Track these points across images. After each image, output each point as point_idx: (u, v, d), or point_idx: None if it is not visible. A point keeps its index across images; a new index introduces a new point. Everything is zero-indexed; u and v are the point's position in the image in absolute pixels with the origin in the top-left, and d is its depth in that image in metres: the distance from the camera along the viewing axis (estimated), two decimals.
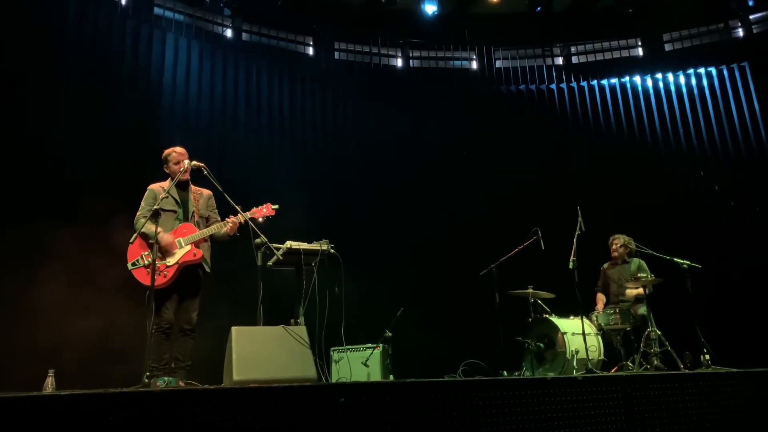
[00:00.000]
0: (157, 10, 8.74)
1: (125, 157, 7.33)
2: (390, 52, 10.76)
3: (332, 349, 6.13)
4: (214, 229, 4.67)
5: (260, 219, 4.67)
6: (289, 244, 4.72)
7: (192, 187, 4.85)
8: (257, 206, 4.73)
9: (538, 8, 9.69)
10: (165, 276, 4.42)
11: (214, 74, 8.76)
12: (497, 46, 10.98)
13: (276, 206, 4.77)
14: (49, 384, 3.99)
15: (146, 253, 4.47)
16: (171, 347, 4.51)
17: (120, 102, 7.63)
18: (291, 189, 9.03)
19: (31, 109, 6.75)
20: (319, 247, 4.81)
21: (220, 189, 4.48)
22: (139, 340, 4.24)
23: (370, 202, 9.31)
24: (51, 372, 4.02)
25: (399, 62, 10.80)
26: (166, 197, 4.55)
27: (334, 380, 5.91)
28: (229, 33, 9.49)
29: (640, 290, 6.07)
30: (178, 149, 4.81)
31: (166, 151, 4.84)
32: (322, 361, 4.49)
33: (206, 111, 8.37)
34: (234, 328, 3.97)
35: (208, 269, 4.73)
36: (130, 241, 4.43)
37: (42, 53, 7.02)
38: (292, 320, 4.51)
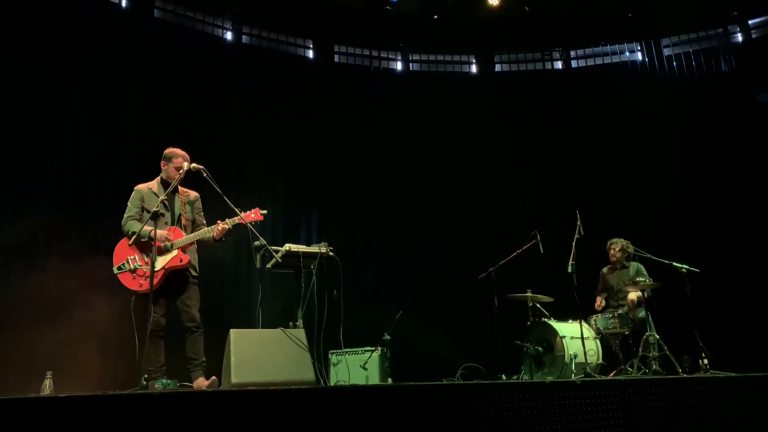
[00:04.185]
0: (157, 13, 8.76)
1: (123, 158, 7.35)
2: (390, 56, 10.78)
3: (331, 352, 6.12)
4: (201, 234, 4.63)
5: (249, 225, 4.60)
6: (288, 246, 4.71)
7: (180, 188, 4.80)
8: (246, 211, 4.65)
9: (529, 10, 9.72)
10: (142, 285, 4.41)
11: (214, 77, 8.76)
12: (497, 50, 11.00)
13: (264, 211, 4.70)
14: (47, 386, 3.98)
15: (132, 257, 4.48)
16: (165, 349, 4.52)
17: (120, 103, 7.64)
18: (290, 192, 9.06)
19: (32, 109, 6.77)
20: (318, 250, 4.80)
21: (219, 191, 4.47)
22: (133, 342, 4.25)
23: (368, 205, 9.32)
24: (49, 374, 4.02)
25: (399, 65, 10.82)
26: (165, 199, 4.54)
27: (332, 383, 5.90)
28: (229, 36, 9.51)
29: (640, 293, 6.07)
30: (182, 153, 4.77)
31: (171, 151, 4.77)
32: (321, 364, 4.48)
33: (206, 113, 8.36)
34: (232, 331, 3.97)
35: (195, 273, 4.71)
36: (130, 243, 4.44)
37: (42, 55, 7.04)
38: (290, 323, 4.50)
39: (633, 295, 6.20)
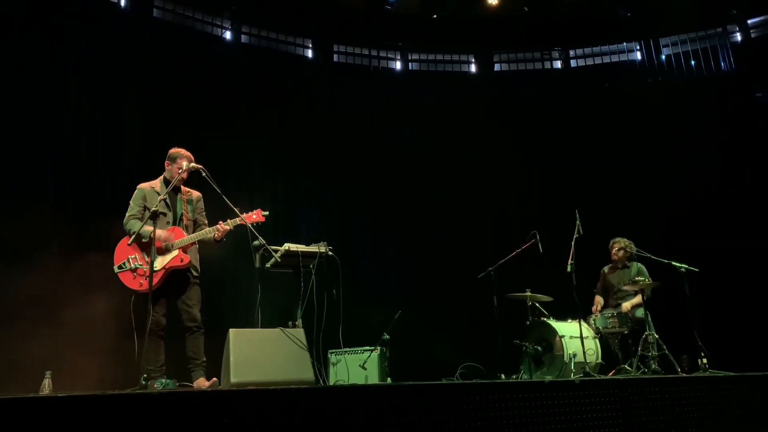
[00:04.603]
0: (156, 13, 8.76)
1: (123, 157, 7.34)
2: (389, 55, 10.78)
3: (330, 351, 6.12)
4: (202, 234, 4.63)
5: (249, 225, 4.60)
6: (287, 246, 4.71)
7: (182, 188, 4.82)
8: (247, 212, 4.66)
9: (528, 10, 9.73)
10: (142, 285, 4.40)
11: (213, 76, 8.76)
12: (496, 50, 11.00)
13: (266, 213, 4.70)
14: (46, 386, 3.98)
15: (133, 256, 4.48)
16: (164, 349, 4.53)
17: (119, 103, 7.64)
18: (290, 191, 9.06)
19: (32, 109, 6.77)
20: (317, 250, 4.80)
21: (219, 191, 4.47)
22: (134, 341, 4.25)
23: (368, 205, 9.31)
24: (48, 374, 4.01)
25: (398, 65, 10.82)
26: (166, 198, 4.54)
27: (331, 383, 5.90)
28: (228, 35, 9.50)
29: (634, 301, 6.10)
30: (187, 153, 4.77)
31: (176, 151, 4.78)
32: (320, 363, 4.48)
33: (205, 112, 8.35)
34: (232, 330, 3.97)
35: (196, 274, 4.71)
36: (129, 242, 4.45)
37: (42, 54, 7.04)
38: (290, 322, 4.50)
39: (627, 304, 6.22)
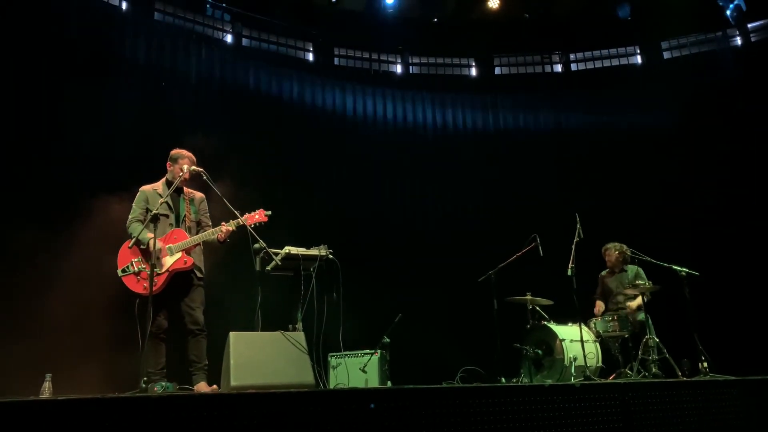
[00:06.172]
0: (157, 16, 8.77)
1: (123, 160, 7.34)
2: (390, 59, 10.79)
3: (330, 354, 6.12)
4: (205, 236, 4.62)
5: (251, 226, 4.58)
6: (287, 249, 4.72)
7: (185, 189, 4.82)
8: (249, 212, 4.66)
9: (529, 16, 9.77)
10: (155, 284, 4.40)
11: (214, 79, 8.77)
12: (496, 53, 11.02)
13: (269, 212, 4.71)
14: (46, 389, 3.98)
15: (136, 259, 4.48)
16: (165, 352, 4.53)
17: (118, 104, 7.65)
18: (289, 193, 9.05)
19: (31, 110, 6.78)
20: (317, 253, 4.81)
21: (219, 193, 4.47)
22: (136, 345, 4.24)
23: (368, 207, 9.32)
24: (48, 377, 4.01)
25: (398, 68, 10.83)
26: (168, 200, 4.54)
27: (331, 386, 5.90)
28: (229, 38, 9.51)
29: (639, 300, 6.09)
30: (189, 154, 4.77)
31: (177, 152, 4.78)
32: (320, 366, 4.48)
33: (205, 114, 8.37)
34: (232, 333, 3.97)
35: (200, 275, 4.70)
36: (129, 246, 4.44)
37: (41, 54, 7.05)
38: (290, 326, 4.50)
39: (634, 303, 6.22)
